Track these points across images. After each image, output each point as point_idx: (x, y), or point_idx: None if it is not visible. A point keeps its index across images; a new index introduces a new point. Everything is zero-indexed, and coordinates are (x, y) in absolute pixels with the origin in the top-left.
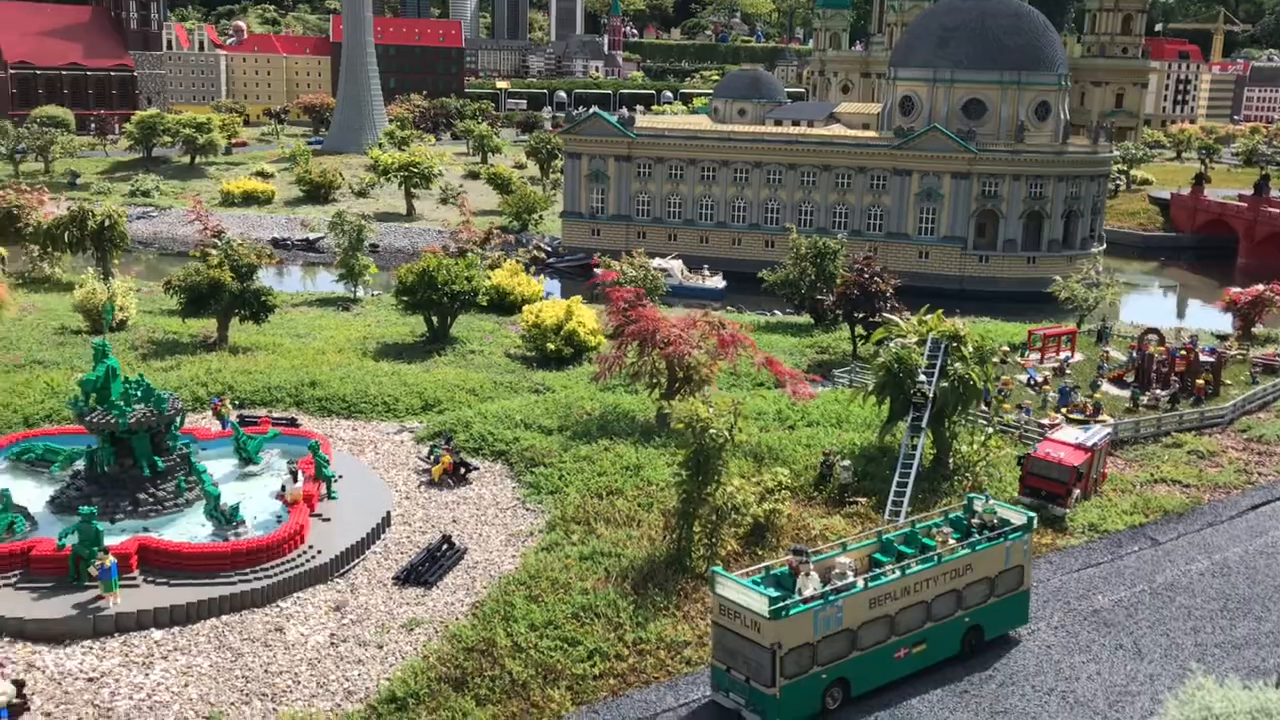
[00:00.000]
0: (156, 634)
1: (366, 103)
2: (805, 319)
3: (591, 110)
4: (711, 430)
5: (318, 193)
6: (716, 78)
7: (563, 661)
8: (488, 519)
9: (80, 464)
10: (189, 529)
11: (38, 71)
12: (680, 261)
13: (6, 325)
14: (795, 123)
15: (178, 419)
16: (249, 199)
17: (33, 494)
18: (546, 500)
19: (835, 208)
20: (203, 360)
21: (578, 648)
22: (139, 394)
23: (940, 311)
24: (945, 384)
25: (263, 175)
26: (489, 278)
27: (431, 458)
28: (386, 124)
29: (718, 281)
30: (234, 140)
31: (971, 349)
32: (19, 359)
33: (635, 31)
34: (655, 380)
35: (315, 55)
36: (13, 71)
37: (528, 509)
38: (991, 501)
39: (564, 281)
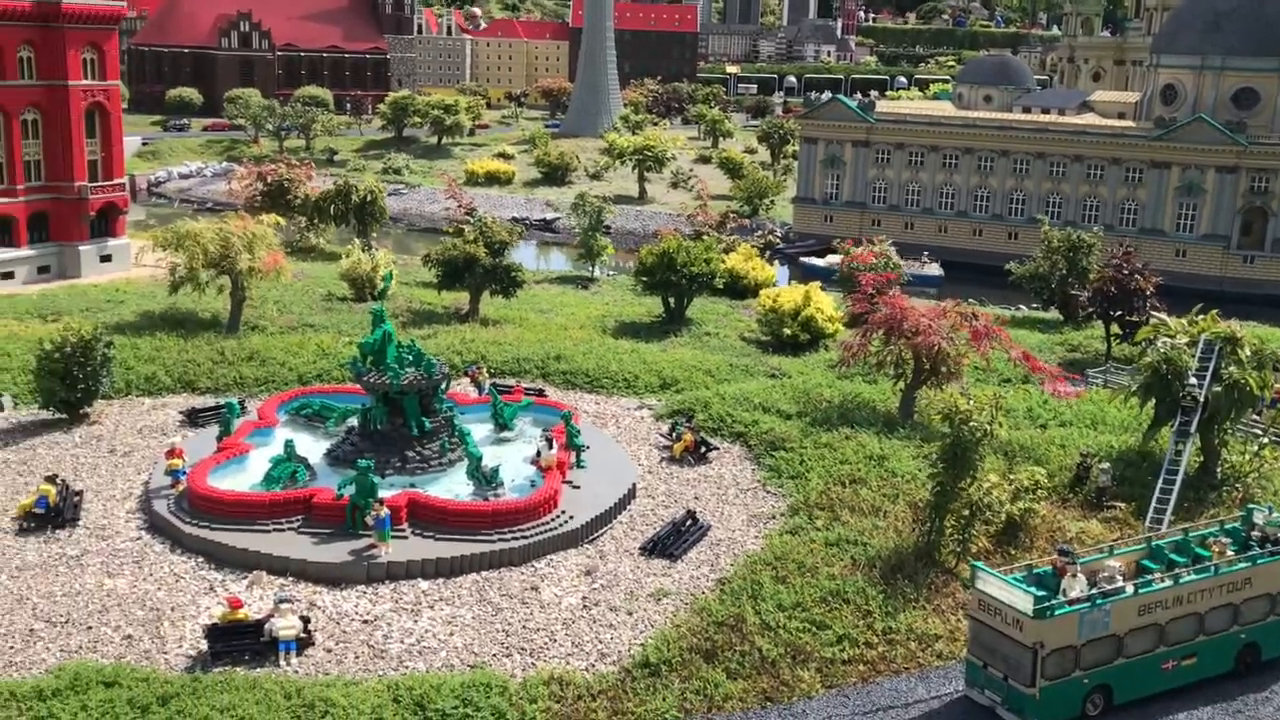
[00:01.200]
0: (424, 584)
1: (603, 87)
2: (1053, 315)
3: (831, 95)
4: (971, 423)
5: (555, 174)
6: (953, 63)
7: (811, 644)
8: (728, 498)
9: (353, 421)
10: (452, 487)
11: (301, 53)
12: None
13: (280, 290)
14: (1044, 110)
15: (444, 383)
16: (491, 179)
17: (310, 446)
18: (788, 484)
19: (1086, 200)
20: (457, 330)
21: (826, 631)
22: (410, 358)
23: (1215, 311)
24: (1218, 388)
25: (504, 156)
26: (724, 261)
27: (674, 435)
28: (621, 108)
29: (935, 269)
30: (477, 122)
31: (1249, 352)
32: (292, 321)
33: (869, 16)
34: (900, 371)
35: (554, 40)
36: (279, 53)
37: (769, 492)
38: (1275, 514)
39: (793, 267)
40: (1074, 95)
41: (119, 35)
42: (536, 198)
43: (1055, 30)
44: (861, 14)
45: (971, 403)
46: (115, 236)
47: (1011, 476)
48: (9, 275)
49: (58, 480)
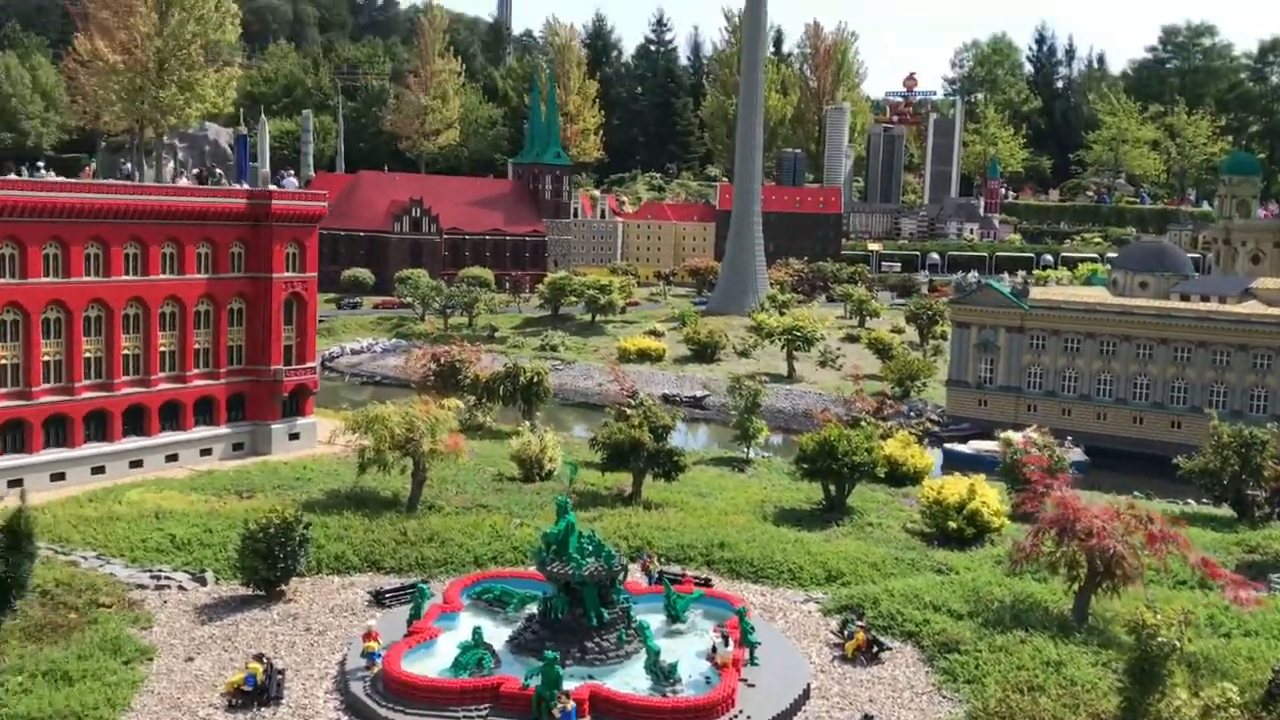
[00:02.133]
0: None
1: (750, 267)
2: (1226, 512)
3: (978, 277)
4: (1159, 638)
5: (704, 352)
6: (1099, 240)
7: None
8: (903, 702)
9: (533, 608)
10: (629, 680)
11: (466, 236)
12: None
13: (454, 469)
14: (1204, 298)
15: (622, 575)
16: (643, 355)
17: (492, 631)
18: (964, 689)
19: (1253, 390)
20: (621, 514)
21: None
22: (590, 548)
23: None
24: None
25: (654, 334)
26: (882, 448)
27: (845, 633)
28: (768, 287)
29: (1078, 454)
30: (628, 300)
31: None
32: (467, 501)
33: (1012, 193)
34: (1074, 573)
35: (701, 222)
36: (446, 236)
37: (944, 697)
38: None
39: (949, 453)
40: (1235, 282)
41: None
42: (687, 374)
43: (1205, 207)
44: (1004, 191)
45: (1159, 615)
46: (304, 415)
47: (1200, 692)
48: (208, 452)
49: (264, 659)
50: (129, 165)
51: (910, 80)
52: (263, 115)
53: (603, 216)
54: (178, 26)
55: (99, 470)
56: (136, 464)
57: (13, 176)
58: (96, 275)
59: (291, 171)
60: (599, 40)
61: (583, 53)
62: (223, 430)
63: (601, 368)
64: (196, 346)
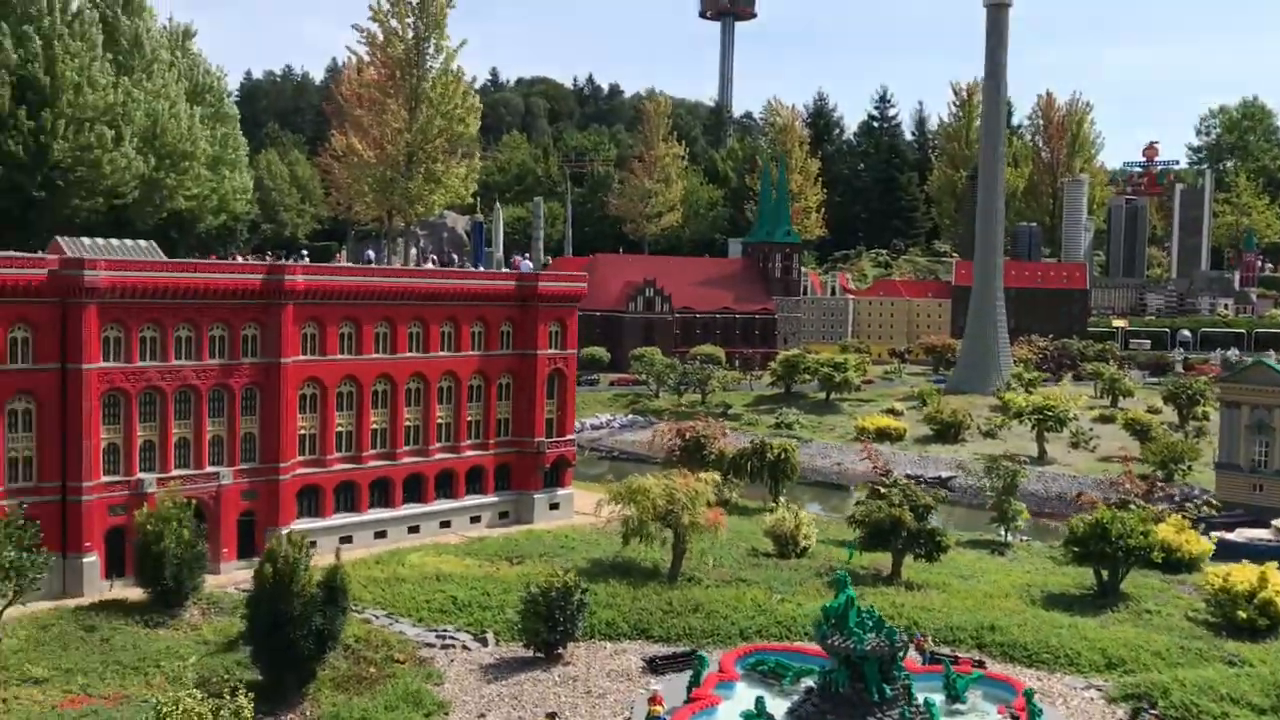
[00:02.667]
0: None
1: (993, 345)
2: None
3: (1251, 358)
4: None
5: (947, 432)
6: None
7: None
8: None
9: (809, 681)
10: None
11: (697, 315)
12: None
13: (708, 542)
14: None
15: (903, 651)
16: (881, 435)
17: (769, 703)
18: None
19: None
20: (882, 593)
21: None
22: (871, 623)
23: None
24: None
25: (893, 412)
26: (1155, 532)
27: None
28: (1012, 366)
29: None
30: (863, 378)
31: None
32: (726, 575)
33: (1269, 265)
34: None
35: (936, 298)
36: (677, 315)
37: None
38: None
39: (1222, 540)
40: None
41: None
42: (930, 455)
43: None
44: (1260, 263)
45: None
46: (563, 486)
47: None
48: (477, 519)
49: (555, 718)
50: (371, 252)
51: (1151, 149)
52: (496, 203)
53: (833, 294)
54: (426, 122)
55: (381, 534)
56: (414, 529)
57: (305, 263)
58: (384, 352)
59: (527, 255)
60: (820, 119)
61: (804, 132)
62: (491, 499)
63: (839, 446)
64: (469, 419)
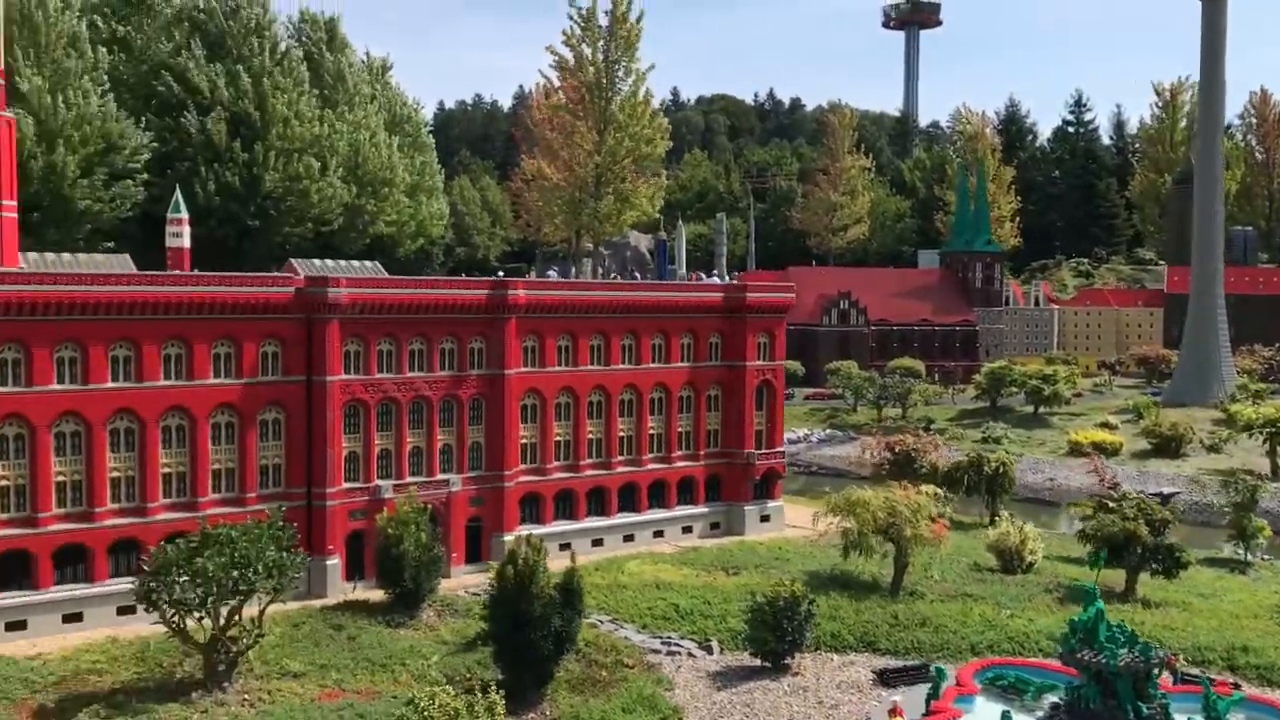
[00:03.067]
0: None
1: (1213, 354)
2: None
3: None
4: None
5: (1166, 446)
6: None
7: None
8: None
9: (1053, 697)
10: None
11: (894, 327)
12: None
13: (928, 556)
14: None
15: (1158, 669)
16: (1095, 450)
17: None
18: None
19: None
20: (1118, 610)
21: None
22: (1123, 639)
23: None
24: None
25: (1106, 426)
26: None
27: None
28: (1235, 376)
29: None
30: (1074, 391)
31: None
32: (950, 589)
33: None
34: None
35: (1147, 307)
36: (873, 328)
37: None
38: None
39: None
40: None
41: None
42: (1149, 470)
43: None
44: None
45: None
46: (773, 499)
47: None
48: (689, 529)
49: None
50: (553, 272)
51: None
52: (679, 220)
53: (1037, 304)
54: (614, 144)
55: (598, 542)
56: (629, 538)
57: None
58: (599, 364)
59: (715, 272)
60: (1012, 125)
61: (996, 139)
62: (702, 510)
63: (1050, 461)
64: (679, 430)
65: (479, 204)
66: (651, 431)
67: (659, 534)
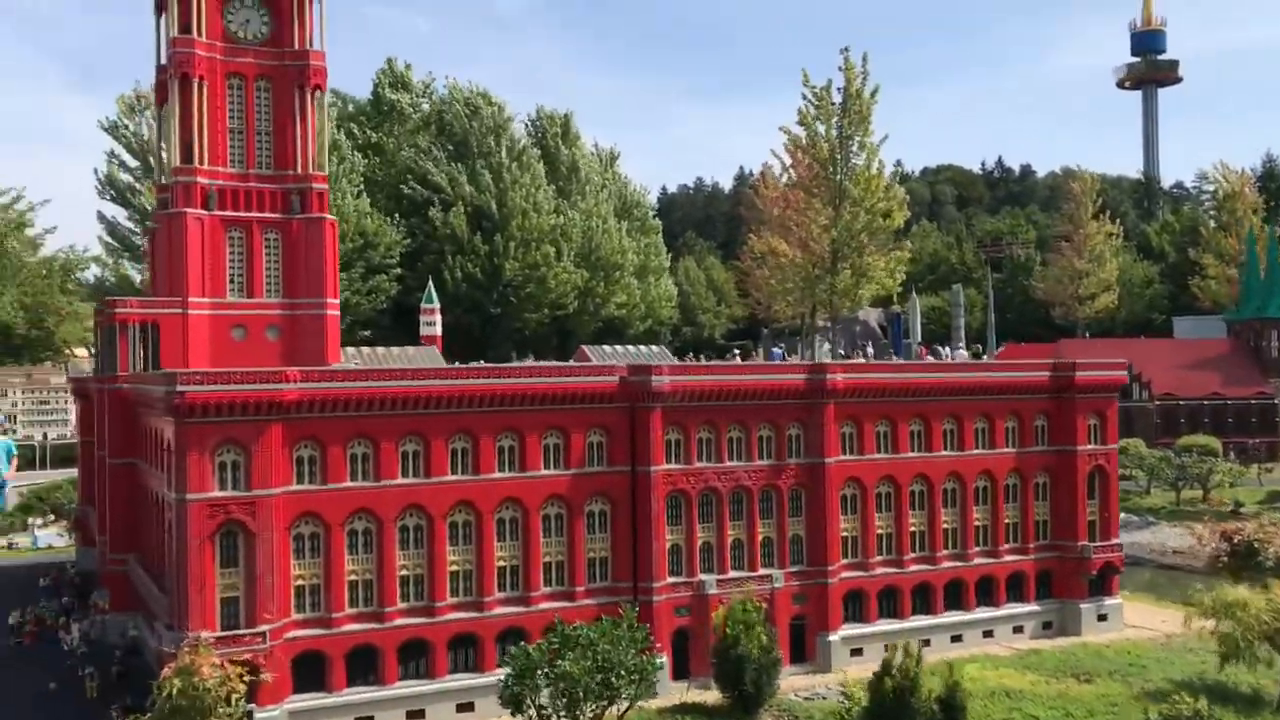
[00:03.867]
0: None
1: None
2: None
3: None
4: None
5: None
6: None
7: None
8: None
9: None
10: None
11: (1180, 402)
12: None
13: None
14: None
15: None
16: None
17: None
18: None
19: None
20: None
21: None
22: None
23: None
24: None
25: None
26: None
27: None
28: None
29: None
30: None
31: None
32: None
33: None
34: None
35: None
36: (1158, 402)
37: None
38: None
39: None
40: None
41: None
42: None
43: None
44: None
45: None
46: (1110, 596)
47: None
48: (1019, 629)
49: None
50: (778, 350)
51: None
52: (913, 293)
53: None
54: (850, 219)
55: (925, 643)
56: (956, 638)
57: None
58: (920, 451)
59: (956, 345)
60: (1271, 181)
61: (1257, 197)
62: (1033, 607)
63: None
64: (1006, 521)
65: (704, 283)
66: (977, 523)
67: (988, 634)
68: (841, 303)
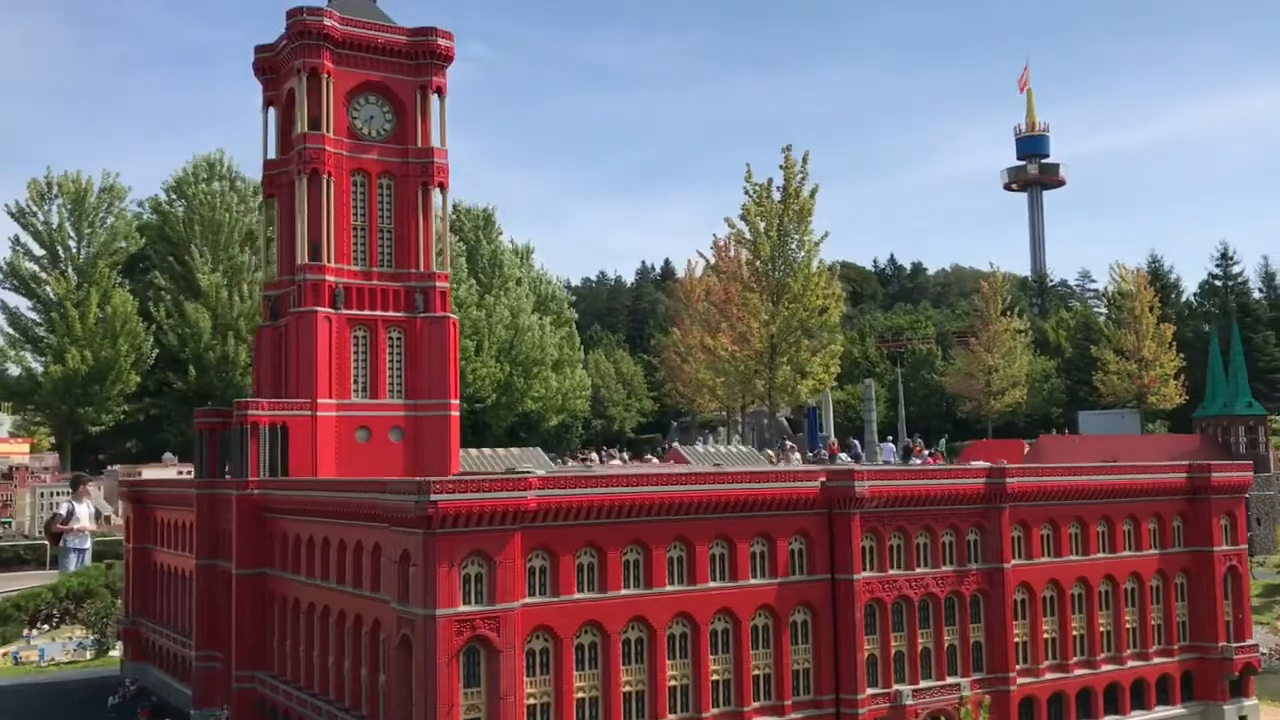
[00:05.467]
0: None
1: None
2: None
3: None
4: None
5: None
6: None
7: None
8: None
9: None
10: None
11: None
12: None
13: None
14: None
15: None
16: None
17: None
18: None
19: None
20: None
21: None
22: None
23: None
24: None
25: None
26: None
27: None
28: None
29: None
30: None
31: None
32: None
33: None
34: None
35: None
36: None
37: None
38: None
39: None
40: None
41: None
42: None
43: None
44: None
45: None
46: (1248, 698)
47: None
48: None
49: None
50: (701, 442)
51: None
52: (826, 388)
53: None
54: (790, 315)
55: None
56: None
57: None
58: (1077, 554)
59: (890, 440)
60: (1155, 280)
61: (1154, 295)
62: (1179, 710)
63: None
64: (1153, 623)
65: (614, 376)
66: (1128, 625)
67: None
68: (780, 397)
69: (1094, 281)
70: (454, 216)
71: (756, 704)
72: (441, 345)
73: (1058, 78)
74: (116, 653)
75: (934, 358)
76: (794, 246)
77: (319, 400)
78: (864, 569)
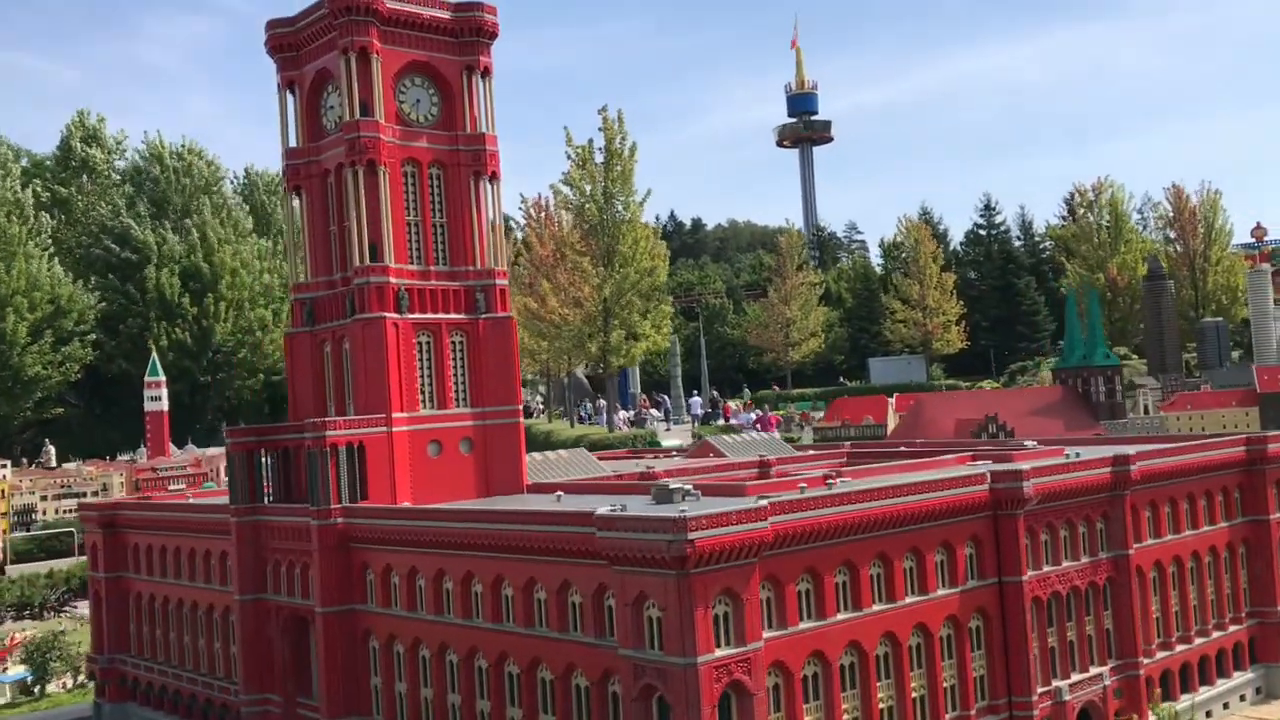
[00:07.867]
0: None
1: None
2: None
3: None
4: None
5: None
6: None
7: None
8: None
9: None
10: None
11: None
12: None
13: None
14: None
15: None
16: None
17: None
18: None
19: None
20: None
21: None
22: None
23: None
24: None
25: None
26: None
27: None
28: None
29: None
30: None
31: None
32: None
33: None
34: None
35: (1241, 407)
36: None
37: None
38: None
39: None
40: None
41: None
42: None
43: None
44: None
45: None
46: None
47: None
48: (1243, 698)
49: None
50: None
51: (1259, 230)
52: (663, 348)
53: (1146, 412)
54: (621, 279)
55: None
56: (1209, 713)
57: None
58: (1173, 533)
59: (696, 394)
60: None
61: (936, 246)
62: (1249, 675)
63: None
64: (1227, 593)
65: None
66: (1211, 597)
67: (1226, 705)
68: (614, 360)
69: (860, 234)
70: (239, 179)
71: (949, 715)
72: (505, 347)
73: (825, 33)
74: (56, 689)
75: (726, 311)
76: (620, 207)
77: (393, 414)
78: (1028, 569)
